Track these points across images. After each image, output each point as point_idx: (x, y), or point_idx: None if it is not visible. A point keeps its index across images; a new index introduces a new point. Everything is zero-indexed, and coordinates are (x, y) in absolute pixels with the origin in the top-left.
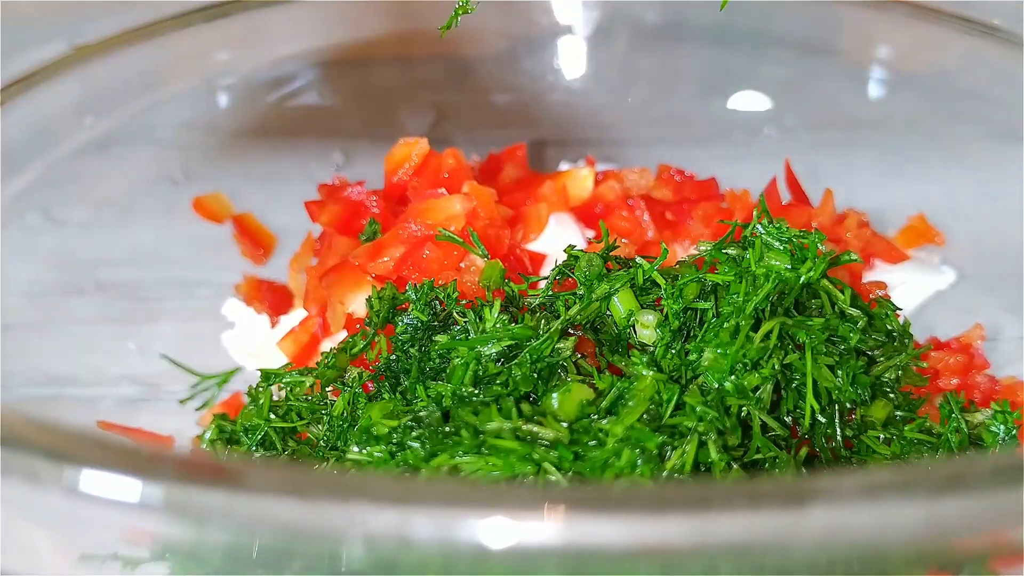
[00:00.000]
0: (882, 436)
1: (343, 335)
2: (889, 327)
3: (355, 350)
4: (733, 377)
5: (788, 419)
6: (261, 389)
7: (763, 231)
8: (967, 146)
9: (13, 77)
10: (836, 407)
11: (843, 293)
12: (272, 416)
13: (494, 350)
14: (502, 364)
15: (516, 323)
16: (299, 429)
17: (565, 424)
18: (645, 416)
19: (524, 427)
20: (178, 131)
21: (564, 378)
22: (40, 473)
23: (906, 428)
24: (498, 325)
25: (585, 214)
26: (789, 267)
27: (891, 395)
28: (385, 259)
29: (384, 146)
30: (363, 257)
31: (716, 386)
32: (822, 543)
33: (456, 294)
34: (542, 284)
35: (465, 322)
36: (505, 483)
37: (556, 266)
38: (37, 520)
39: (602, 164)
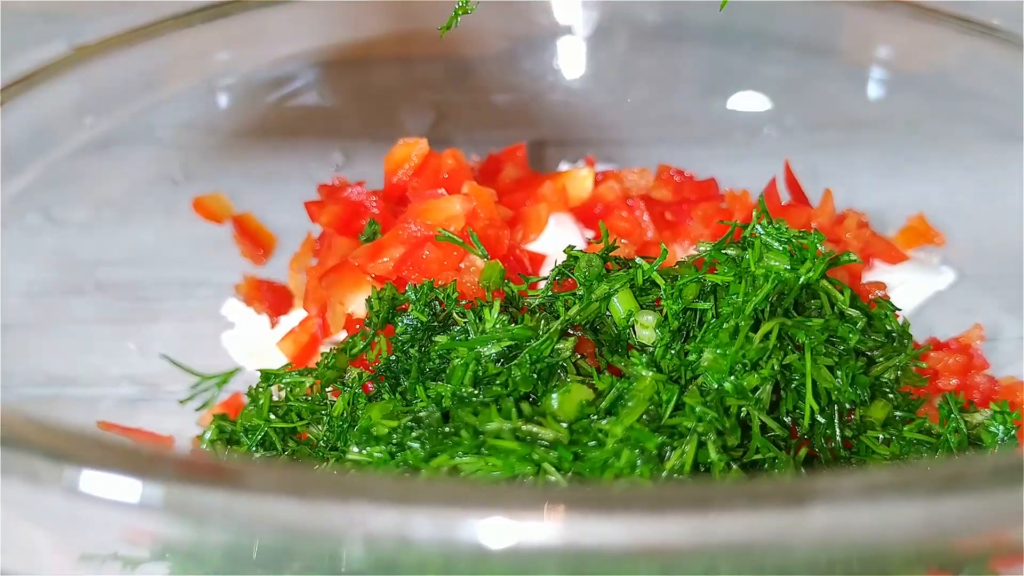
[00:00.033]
0: (881, 436)
1: (343, 335)
2: (888, 327)
3: (355, 350)
4: (732, 377)
5: (787, 419)
6: (261, 389)
7: (762, 231)
8: (967, 146)
9: (13, 77)
10: (835, 407)
11: (842, 294)
12: (272, 416)
13: (494, 351)
14: (502, 365)
15: (516, 324)
16: (299, 429)
17: (565, 424)
18: (645, 416)
19: (524, 427)
20: (178, 131)
21: (564, 378)
22: (40, 473)
23: (905, 428)
24: (498, 326)
25: (585, 214)
26: (788, 268)
27: (890, 395)
28: (385, 259)
29: (384, 146)
30: (363, 257)
31: (715, 386)
32: (822, 543)
33: (456, 294)
34: (542, 284)
35: (465, 323)
36: (505, 483)
37: (556, 266)
38: (37, 520)
39: (602, 164)
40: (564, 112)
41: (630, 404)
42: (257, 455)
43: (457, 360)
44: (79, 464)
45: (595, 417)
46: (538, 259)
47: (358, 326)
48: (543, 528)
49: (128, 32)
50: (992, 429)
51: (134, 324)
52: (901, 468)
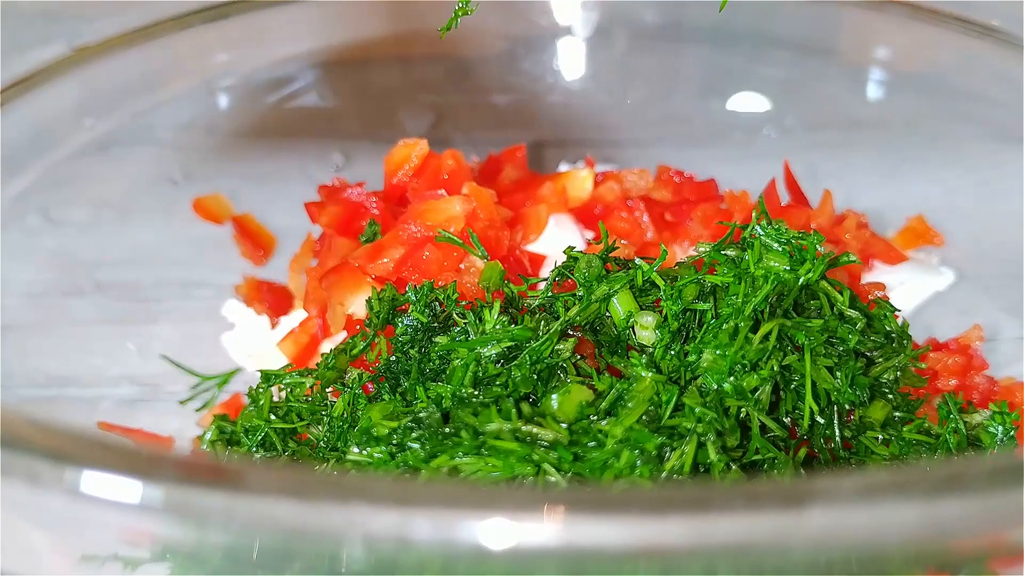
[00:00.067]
0: (881, 437)
1: (343, 336)
2: (888, 328)
3: (355, 351)
4: (732, 378)
5: (787, 420)
6: (261, 390)
7: (762, 232)
8: (966, 146)
9: (13, 78)
10: (835, 408)
11: (842, 294)
12: (272, 417)
13: (494, 351)
14: (502, 365)
15: (516, 324)
16: (299, 430)
17: (564, 425)
18: (644, 417)
19: (524, 428)
20: (178, 132)
21: (563, 379)
22: (41, 474)
23: (904, 429)
24: (498, 326)
25: (584, 215)
26: (788, 268)
27: (890, 396)
28: (385, 260)
29: (384, 147)
30: (363, 258)
31: (715, 387)
32: (821, 544)
33: (456, 295)
34: (541, 285)
35: (465, 323)
36: (505, 484)
37: (555, 267)
38: (38, 521)
39: (601, 165)
40: (564, 113)
41: (630, 405)
42: (257, 456)
43: (457, 361)
44: (79, 465)
45: (595, 418)
46: (538, 260)
47: (358, 327)
48: (543, 529)
49: (128, 33)
50: (991, 430)
51: (134, 325)
52: (900, 469)
